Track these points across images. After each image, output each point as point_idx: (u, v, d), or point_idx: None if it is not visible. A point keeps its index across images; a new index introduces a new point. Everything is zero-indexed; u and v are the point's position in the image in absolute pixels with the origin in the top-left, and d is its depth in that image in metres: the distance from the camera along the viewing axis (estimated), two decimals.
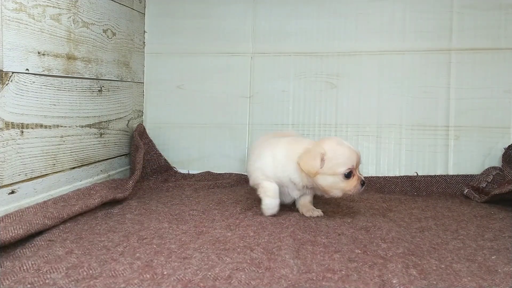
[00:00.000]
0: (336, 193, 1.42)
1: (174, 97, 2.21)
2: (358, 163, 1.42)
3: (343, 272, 1.02)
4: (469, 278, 0.99)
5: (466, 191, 1.77)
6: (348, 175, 1.39)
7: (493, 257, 1.12)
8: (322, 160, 1.38)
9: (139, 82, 2.17)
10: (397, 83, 2.04)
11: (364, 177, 1.43)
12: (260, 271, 1.01)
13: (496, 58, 1.95)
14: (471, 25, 1.98)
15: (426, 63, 2.02)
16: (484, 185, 1.77)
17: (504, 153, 1.86)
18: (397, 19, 2.04)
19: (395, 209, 1.58)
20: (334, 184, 1.40)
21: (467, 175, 1.89)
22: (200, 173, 2.11)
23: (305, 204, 1.53)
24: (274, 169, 1.47)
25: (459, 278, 1.00)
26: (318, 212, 1.50)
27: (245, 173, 2.08)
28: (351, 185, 1.40)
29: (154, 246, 1.17)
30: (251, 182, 1.56)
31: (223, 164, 2.15)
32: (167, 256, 1.10)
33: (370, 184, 1.93)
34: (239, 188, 1.86)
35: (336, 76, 2.09)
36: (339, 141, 1.44)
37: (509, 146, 1.86)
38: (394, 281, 0.97)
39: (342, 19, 2.09)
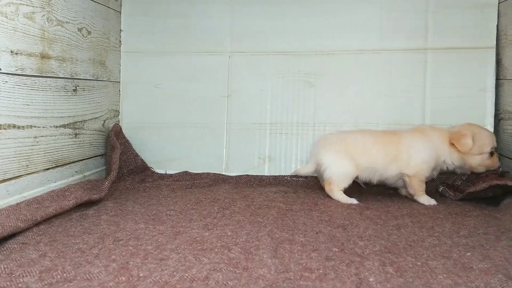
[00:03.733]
0: (481, 170, 1.69)
1: (151, 97, 2.18)
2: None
3: (320, 271, 1.02)
4: (444, 275, 1.00)
5: (441, 188, 1.79)
6: (492, 153, 1.67)
7: (468, 253, 1.14)
8: (473, 140, 1.64)
9: (115, 81, 2.15)
10: (375, 82, 2.06)
11: None
12: (237, 271, 1.01)
13: (471, 57, 1.98)
14: (446, 24, 2.00)
15: (402, 62, 2.04)
16: (459, 183, 1.79)
17: None
18: (374, 18, 2.06)
19: (372, 207, 1.59)
20: (482, 162, 1.67)
21: (443, 172, 1.91)
22: (178, 173, 2.10)
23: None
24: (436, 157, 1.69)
25: (435, 275, 1.01)
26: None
27: (224, 172, 2.08)
28: (494, 161, 1.68)
29: (130, 247, 1.15)
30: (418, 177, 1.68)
31: (201, 163, 2.14)
32: (143, 257, 1.09)
33: None
34: (217, 188, 1.86)
35: (314, 75, 2.10)
36: (480, 125, 1.74)
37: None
38: (371, 279, 0.98)
39: (320, 18, 2.10)
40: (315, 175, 1.86)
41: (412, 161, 1.66)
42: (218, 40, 2.15)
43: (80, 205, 1.50)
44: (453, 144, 1.66)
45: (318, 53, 2.10)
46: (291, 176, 2.02)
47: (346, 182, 1.70)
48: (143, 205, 1.58)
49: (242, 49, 2.15)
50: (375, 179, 1.73)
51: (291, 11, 2.11)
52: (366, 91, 2.06)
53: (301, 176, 1.99)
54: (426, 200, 1.66)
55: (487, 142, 1.66)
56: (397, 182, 1.73)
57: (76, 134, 1.81)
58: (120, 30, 2.19)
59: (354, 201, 1.65)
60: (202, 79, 2.16)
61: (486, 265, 1.06)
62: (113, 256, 1.09)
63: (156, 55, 2.18)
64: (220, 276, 0.98)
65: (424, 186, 1.68)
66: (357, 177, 1.73)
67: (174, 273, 0.99)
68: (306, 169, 1.78)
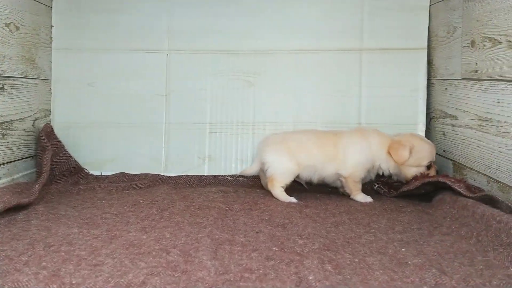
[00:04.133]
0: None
1: (85, 95, 2.10)
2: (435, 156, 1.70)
3: (260, 271, 1.02)
4: (381, 271, 1.03)
5: (376, 186, 1.84)
6: (429, 167, 1.68)
7: (403, 249, 1.17)
8: (411, 152, 1.65)
9: (46, 79, 2.05)
10: (313, 81, 2.09)
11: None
12: (176, 275, 0.98)
13: (404, 58, 2.05)
14: (380, 26, 2.06)
15: (339, 62, 2.08)
16: (393, 180, 1.85)
17: None
18: (312, 18, 2.08)
19: (311, 205, 1.61)
20: (416, 173, 1.68)
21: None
22: (114, 174, 2.03)
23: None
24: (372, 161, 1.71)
25: (372, 271, 1.03)
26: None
27: (162, 173, 2.04)
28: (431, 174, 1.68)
29: (62, 253, 1.10)
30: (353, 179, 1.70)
31: (138, 164, 2.08)
32: (76, 263, 1.04)
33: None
34: (155, 189, 1.81)
35: (253, 74, 2.10)
36: (422, 137, 1.76)
37: None
38: (310, 278, 0.98)
39: (259, 17, 2.10)
40: (257, 174, 1.87)
41: (348, 161, 1.69)
42: (155, 38, 2.11)
43: (9, 210, 1.42)
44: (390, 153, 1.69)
45: (257, 52, 2.10)
46: (237, 177, 2.01)
47: (288, 179, 1.72)
48: (76, 209, 1.52)
49: (180, 47, 2.11)
50: (315, 178, 1.75)
51: (230, 9, 2.10)
52: (304, 91, 2.09)
53: (241, 176, 1.99)
54: (362, 198, 1.70)
55: (425, 156, 1.67)
56: (336, 182, 1.76)
57: (3, 135, 1.71)
58: (51, 26, 2.09)
59: (293, 199, 1.67)
60: (138, 78, 2.10)
61: (420, 260, 1.09)
62: (43, 263, 1.03)
63: (89, 52, 2.10)
64: (158, 281, 0.95)
65: (360, 185, 1.72)
66: (298, 177, 1.75)
67: (109, 279, 0.96)
68: (252, 169, 1.80)
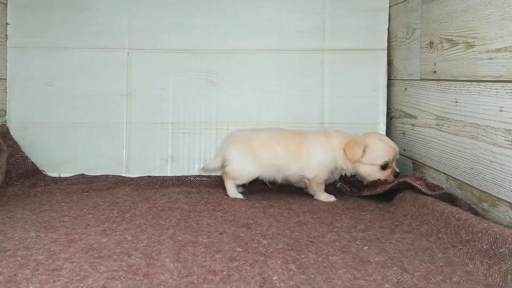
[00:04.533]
0: (370, 180, 1.70)
1: (42, 95, 2.04)
2: (395, 157, 1.68)
3: (224, 273, 1.01)
4: (344, 269, 1.04)
5: (339, 184, 1.86)
6: (384, 167, 1.66)
7: (365, 247, 1.19)
8: (364, 151, 1.65)
9: (1, 79, 1.98)
10: (275, 81, 2.09)
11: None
12: (137, 279, 0.96)
13: (365, 58, 2.08)
14: (342, 26, 2.08)
15: (301, 62, 2.09)
16: (355, 178, 1.87)
17: None
18: (274, 18, 2.09)
19: (275, 205, 1.61)
20: (372, 173, 1.67)
21: None
22: (73, 176, 1.98)
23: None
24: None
25: (335, 270, 1.03)
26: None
27: (124, 174, 2.00)
28: (385, 175, 1.67)
29: (19, 258, 1.07)
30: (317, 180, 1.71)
31: (98, 165, 2.03)
32: (33, 268, 1.01)
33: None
34: (116, 190, 1.77)
35: (216, 74, 2.08)
36: (382, 137, 1.72)
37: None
38: (274, 278, 0.98)
39: (221, 17, 2.09)
40: (220, 173, 1.86)
41: (311, 163, 1.70)
42: (114, 36, 2.06)
43: None
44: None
45: (220, 52, 2.09)
46: (200, 177, 1.99)
47: (243, 181, 1.75)
48: (34, 212, 1.47)
49: (141, 46, 2.07)
50: (279, 177, 1.75)
51: (193, 8, 2.08)
52: (267, 90, 2.09)
53: (204, 176, 1.97)
54: (326, 198, 1.71)
55: (379, 155, 1.66)
56: (300, 182, 1.77)
57: None
58: (6, 24, 2.02)
59: (239, 195, 1.72)
60: (98, 77, 2.05)
61: (382, 258, 1.10)
62: None
63: (47, 50, 2.04)
64: (119, 285, 0.93)
65: (323, 186, 1.73)
66: (259, 177, 1.75)
67: (68, 284, 0.93)
68: (214, 164, 1.80)
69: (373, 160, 1.67)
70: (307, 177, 1.71)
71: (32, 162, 1.95)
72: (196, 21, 2.08)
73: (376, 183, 1.69)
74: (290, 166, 1.72)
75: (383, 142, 1.70)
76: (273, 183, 1.80)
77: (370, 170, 1.68)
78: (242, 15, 2.09)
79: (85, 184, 1.86)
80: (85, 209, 1.50)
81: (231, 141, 1.77)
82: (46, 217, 1.41)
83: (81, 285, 0.92)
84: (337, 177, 1.77)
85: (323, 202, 1.68)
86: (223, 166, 1.77)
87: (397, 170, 1.69)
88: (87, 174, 1.99)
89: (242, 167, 1.72)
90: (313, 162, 1.70)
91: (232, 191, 1.73)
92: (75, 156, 2.04)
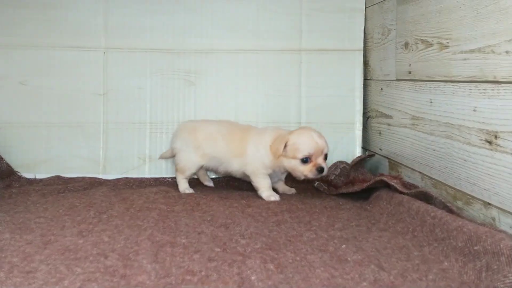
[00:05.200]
0: (298, 175, 1.67)
1: (16, 94, 2.00)
2: (321, 152, 1.65)
3: (202, 273, 1.01)
4: (322, 268, 1.04)
5: (316, 183, 1.87)
6: (305, 161, 1.63)
7: (343, 246, 1.20)
8: (286, 145, 1.64)
9: None
10: (253, 81, 2.09)
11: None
12: (114, 280, 0.96)
13: (341, 58, 2.10)
14: (318, 27, 2.10)
15: (279, 62, 2.10)
16: (333, 177, 1.89)
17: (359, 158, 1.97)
18: (251, 18, 2.09)
19: (253, 205, 1.61)
20: (295, 167, 1.65)
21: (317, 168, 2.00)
22: (49, 177, 1.95)
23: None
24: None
25: (313, 269, 1.04)
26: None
27: (101, 175, 1.98)
28: (307, 169, 1.64)
29: None
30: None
31: (75, 166, 2.01)
32: (7, 271, 0.99)
33: (230, 182, 1.96)
34: (93, 191, 1.75)
35: (194, 73, 2.08)
36: (306, 132, 1.68)
37: (368, 155, 1.99)
38: (252, 278, 0.98)
39: (199, 16, 2.08)
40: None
41: (247, 158, 1.74)
42: (90, 35, 2.04)
43: None
44: None
45: (197, 52, 2.08)
46: (164, 179, 2.01)
47: (190, 171, 1.82)
48: (8, 213, 1.44)
49: (118, 45, 2.05)
50: (221, 170, 1.80)
51: (169, 8, 2.07)
52: (245, 90, 2.09)
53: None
54: (267, 196, 1.71)
55: (299, 149, 1.64)
56: (246, 177, 1.79)
57: None
58: None
59: (189, 191, 1.78)
60: (74, 76, 2.03)
61: (359, 257, 1.12)
62: None
63: (21, 49, 2.01)
64: (95, 286, 0.92)
65: (265, 182, 1.73)
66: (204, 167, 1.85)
67: (43, 286, 0.92)
68: (166, 154, 1.93)
69: (294, 154, 1.65)
70: (246, 172, 1.75)
71: (7, 163, 1.92)
72: (174, 20, 2.07)
73: (353, 181, 1.71)
74: (233, 162, 1.76)
75: (304, 137, 1.66)
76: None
77: (293, 164, 1.67)
78: (220, 15, 2.09)
79: (61, 185, 1.83)
80: (61, 210, 1.48)
81: (177, 132, 1.86)
82: (21, 218, 1.39)
83: (57, 287, 0.91)
84: (280, 174, 1.80)
85: (301, 201, 1.68)
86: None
87: (322, 165, 1.65)
88: (63, 175, 1.97)
89: (186, 158, 1.80)
90: (248, 158, 1.73)
91: (183, 187, 1.80)
92: (50, 156, 2.01)
